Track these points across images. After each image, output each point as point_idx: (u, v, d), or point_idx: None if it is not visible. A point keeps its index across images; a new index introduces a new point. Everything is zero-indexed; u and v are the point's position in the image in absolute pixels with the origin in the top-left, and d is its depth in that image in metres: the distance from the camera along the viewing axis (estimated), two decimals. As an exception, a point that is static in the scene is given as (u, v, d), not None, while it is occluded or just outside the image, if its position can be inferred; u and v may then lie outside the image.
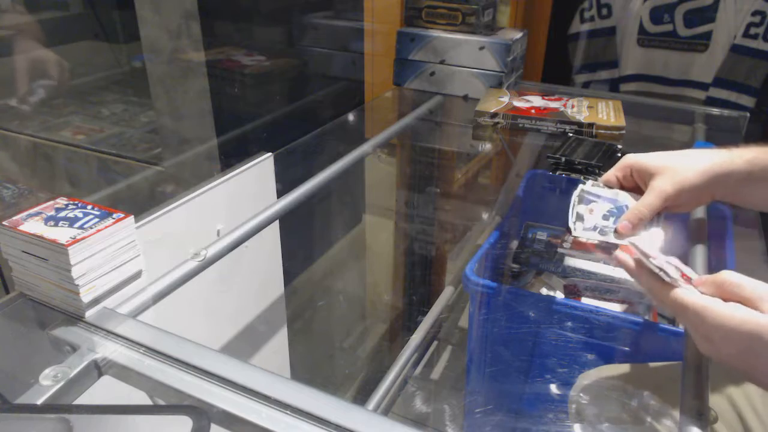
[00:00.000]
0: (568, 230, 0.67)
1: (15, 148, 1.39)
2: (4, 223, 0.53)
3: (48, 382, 0.46)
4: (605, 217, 0.67)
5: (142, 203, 1.27)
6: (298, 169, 0.96)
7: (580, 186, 0.71)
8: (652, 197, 0.63)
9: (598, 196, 0.69)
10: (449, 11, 1.20)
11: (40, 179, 1.40)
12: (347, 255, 1.58)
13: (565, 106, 1.08)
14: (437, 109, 1.21)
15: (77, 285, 0.51)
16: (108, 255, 0.54)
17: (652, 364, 0.76)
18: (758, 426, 0.65)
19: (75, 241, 0.50)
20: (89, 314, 0.53)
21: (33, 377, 0.46)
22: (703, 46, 1.47)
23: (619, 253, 0.59)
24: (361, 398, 1.19)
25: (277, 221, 0.89)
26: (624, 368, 0.77)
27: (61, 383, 0.46)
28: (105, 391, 0.49)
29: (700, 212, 0.78)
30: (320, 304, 1.47)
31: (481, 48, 1.17)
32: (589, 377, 0.78)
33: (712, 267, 0.69)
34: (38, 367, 0.47)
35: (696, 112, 1.17)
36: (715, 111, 1.18)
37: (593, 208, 0.68)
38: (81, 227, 0.52)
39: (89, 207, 0.56)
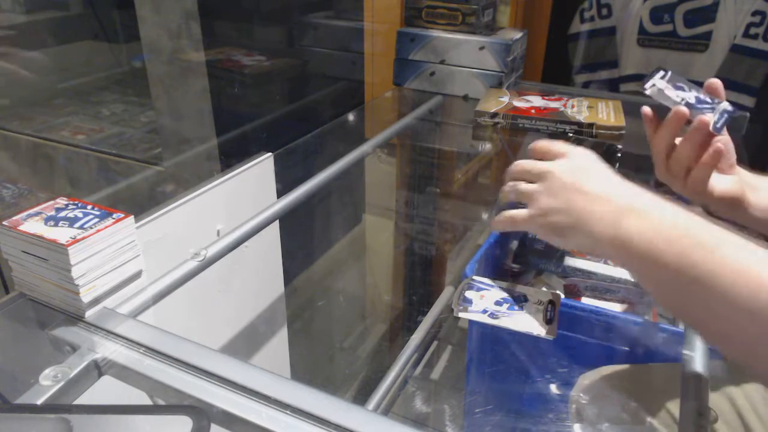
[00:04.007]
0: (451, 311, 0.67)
1: (15, 148, 1.39)
2: (4, 223, 0.53)
3: (48, 382, 0.46)
4: (498, 303, 0.67)
5: (142, 203, 1.27)
6: (298, 169, 0.96)
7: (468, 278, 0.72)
8: None
9: (492, 286, 0.70)
10: (449, 11, 1.20)
11: (39, 179, 1.40)
12: (347, 255, 1.58)
13: (565, 106, 1.08)
14: (437, 109, 1.21)
15: (77, 285, 0.51)
16: (108, 255, 0.54)
17: (652, 365, 0.76)
18: (759, 426, 0.65)
19: (75, 241, 0.50)
20: (89, 314, 0.53)
21: (33, 377, 0.46)
22: (703, 46, 1.47)
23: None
24: (361, 398, 1.19)
25: (277, 221, 0.89)
26: (624, 369, 0.77)
27: (61, 383, 0.46)
28: (105, 391, 0.49)
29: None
30: (320, 304, 1.47)
31: (481, 48, 1.17)
32: (589, 378, 0.78)
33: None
34: (38, 367, 0.47)
35: (696, 112, 1.17)
36: (715, 111, 1.17)
37: (484, 295, 0.69)
38: (81, 227, 0.52)
39: (89, 207, 0.56)
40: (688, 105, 0.64)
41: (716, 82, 0.65)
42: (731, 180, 0.65)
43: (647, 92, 0.66)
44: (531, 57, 1.53)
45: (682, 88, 0.66)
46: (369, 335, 1.65)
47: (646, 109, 0.67)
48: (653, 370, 0.75)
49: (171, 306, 0.61)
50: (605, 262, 1.07)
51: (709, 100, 0.66)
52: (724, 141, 0.64)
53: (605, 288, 0.99)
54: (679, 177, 0.65)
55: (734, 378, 0.70)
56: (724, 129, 0.65)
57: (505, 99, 1.10)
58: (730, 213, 0.65)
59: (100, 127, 1.47)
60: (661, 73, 0.67)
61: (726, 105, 0.65)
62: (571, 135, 1.00)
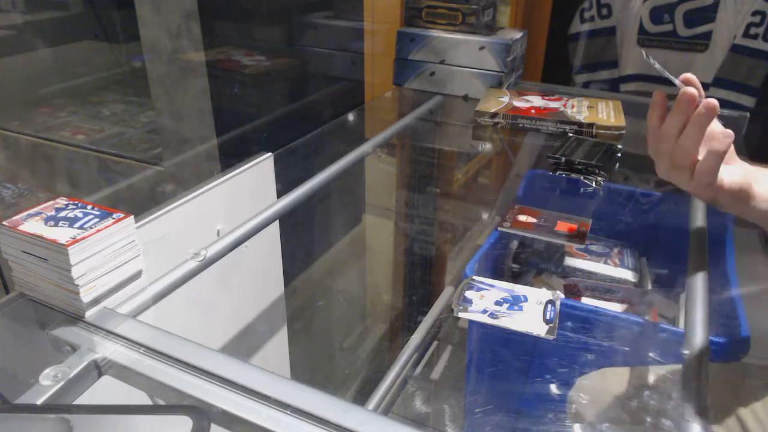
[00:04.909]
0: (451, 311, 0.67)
1: (15, 148, 1.39)
2: (4, 223, 0.53)
3: (48, 382, 0.46)
4: (498, 303, 0.67)
5: (142, 203, 1.27)
6: (298, 169, 0.96)
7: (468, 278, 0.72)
8: None
9: (492, 286, 0.70)
10: (449, 11, 1.20)
11: (39, 179, 1.40)
12: (347, 255, 1.58)
13: (565, 106, 1.08)
14: (437, 109, 1.21)
15: (77, 285, 0.51)
16: (108, 255, 0.54)
17: (651, 367, 0.76)
18: (757, 428, 0.65)
19: (75, 241, 0.50)
20: (89, 314, 0.53)
21: (33, 377, 0.46)
22: (703, 46, 1.47)
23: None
24: (361, 398, 1.19)
25: (277, 221, 0.89)
26: (623, 370, 0.77)
27: (61, 383, 0.46)
28: (105, 391, 0.49)
29: (700, 209, 0.78)
30: (320, 304, 1.47)
31: (481, 48, 1.17)
32: (588, 379, 0.78)
33: (711, 260, 0.69)
34: (38, 367, 0.47)
35: (696, 112, 1.17)
36: (715, 111, 1.17)
37: (484, 295, 0.69)
38: (81, 227, 0.52)
39: (89, 207, 0.56)
40: None
41: (693, 78, 0.63)
42: (738, 170, 0.62)
43: (657, 66, 0.63)
44: (531, 57, 1.53)
45: (673, 76, 0.65)
46: (369, 335, 1.65)
47: (659, 93, 0.63)
48: (652, 372, 0.75)
49: (171, 306, 0.61)
50: (605, 262, 1.07)
51: None
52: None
53: (605, 288, 0.99)
54: (685, 169, 0.62)
55: (734, 383, 0.69)
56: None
57: (505, 99, 1.10)
58: (736, 207, 0.63)
59: (100, 127, 1.47)
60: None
61: None
62: (571, 135, 1.00)
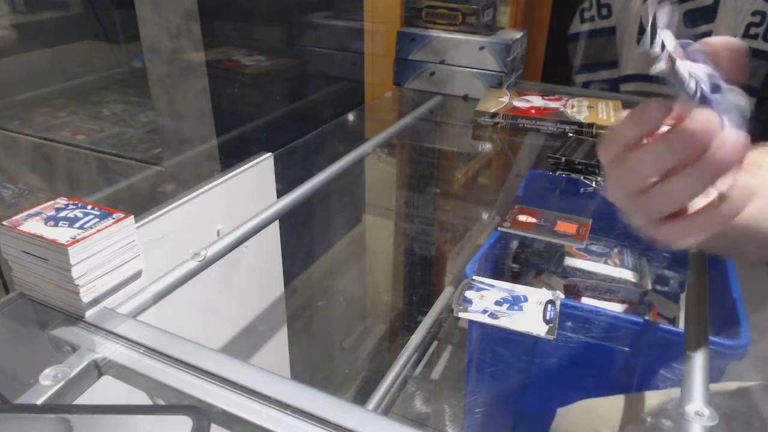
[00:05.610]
0: (451, 310, 0.68)
1: (14, 148, 1.39)
2: (4, 223, 0.53)
3: (48, 382, 0.46)
4: (498, 303, 0.67)
5: (142, 203, 1.27)
6: (298, 169, 0.96)
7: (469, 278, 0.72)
8: None
9: (492, 286, 0.70)
10: (449, 11, 1.20)
11: (39, 179, 1.40)
12: (347, 255, 1.58)
13: (565, 106, 1.08)
14: (437, 109, 1.21)
15: (77, 285, 0.51)
16: (108, 255, 0.54)
17: (635, 395, 0.73)
18: None
19: (75, 241, 0.50)
20: (89, 314, 0.53)
21: (33, 377, 0.46)
22: (703, 46, 1.47)
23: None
24: (361, 398, 1.19)
25: (277, 221, 0.89)
26: (605, 401, 0.74)
27: (61, 383, 0.46)
28: (105, 391, 0.49)
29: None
30: (320, 304, 1.47)
31: (481, 48, 1.17)
32: (568, 411, 0.76)
33: (711, 260, 0.69)
34: (38, 367, 0.47)
35: (696, 112, 1.17)
36: (715, 111, 1.17)
37: (484, 295, 0.69)
38: (81, 227, 0.52)
39: (89, 207, 0.56)
40: (702, 98, 0.40)
41: (722, 44, 0.40)
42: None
43: (658, 68, 0.40)
44: (531, 57, 1.53)
45: (687, 49, 0.41)
46: (369, 335, 1.65)
47: (658, 106, 0.41)
48: (636, 401, 0.73)
49: (171, 306, 0.61)
50: (605, 262, 1.07)
51: (717, 77, 0.42)
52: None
53: (605, 288, 0.99)
54: (658, 220, 0.43)
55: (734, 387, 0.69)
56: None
57: (505, 99, 1.10)
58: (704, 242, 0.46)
59: (100, 127, 1.47)
60: (665, 17, 0.40)
61: (738, 96, 0.42)
62: (571, 135, 1.00)
